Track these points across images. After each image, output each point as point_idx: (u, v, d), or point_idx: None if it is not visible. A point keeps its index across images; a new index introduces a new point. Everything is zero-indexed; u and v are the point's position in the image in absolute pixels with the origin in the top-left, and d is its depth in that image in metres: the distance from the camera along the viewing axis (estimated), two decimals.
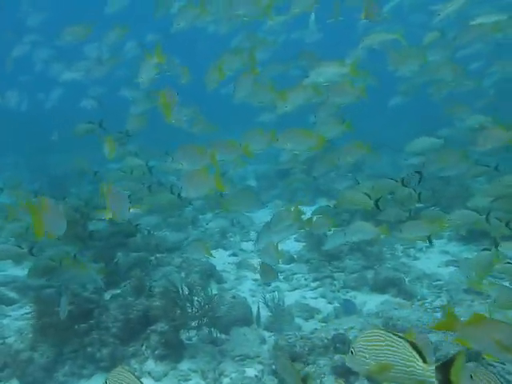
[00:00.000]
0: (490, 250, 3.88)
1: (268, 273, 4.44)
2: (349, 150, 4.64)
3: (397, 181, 4.31)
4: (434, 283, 5.37)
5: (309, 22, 8.23)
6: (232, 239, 7.42)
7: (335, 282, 5.69)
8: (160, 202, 5.61)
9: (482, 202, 4.52)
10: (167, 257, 6.39)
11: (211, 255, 5.01)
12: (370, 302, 5.14)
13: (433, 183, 6.49)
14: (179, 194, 5.51)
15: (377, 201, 4.19)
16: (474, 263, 3.97)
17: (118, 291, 5.02)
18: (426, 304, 4.95)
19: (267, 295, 5.07)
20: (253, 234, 7.61)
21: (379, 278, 5.36)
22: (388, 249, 6.40)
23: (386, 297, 5.19)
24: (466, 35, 5.27)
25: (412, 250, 6.44)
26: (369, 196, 4.19)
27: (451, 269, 5.73)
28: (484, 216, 3.99)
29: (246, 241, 7.39)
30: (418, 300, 5.06)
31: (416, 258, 6.24)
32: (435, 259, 6.15)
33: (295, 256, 6.46)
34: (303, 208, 4.67)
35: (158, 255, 6.28)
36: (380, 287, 5.35)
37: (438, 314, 4.66)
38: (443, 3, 6.59)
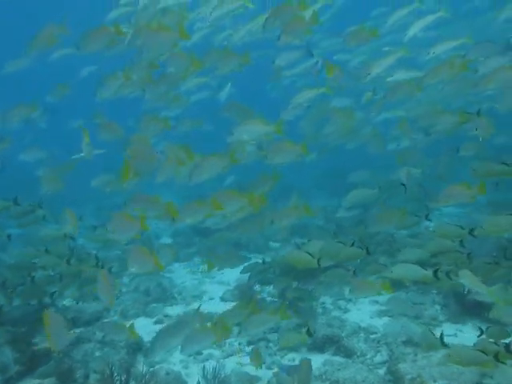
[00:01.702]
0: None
1: (257, 358, 4.36)
2: (285, 213, 4.57)
3: (344, 243, 4.35)
4: (372, 336, 5.31)
5: (226, 84, 8.35)
6: (155, 305, 6.99)
7: (270, 345, 5.47)
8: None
9: (415, 255, 4.62)
10: (87, 331, 5.86)
11: (136, 336, 4.49)
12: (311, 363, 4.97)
13: (359, 231, 6.57)
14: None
15: (318, 260, 4.23)
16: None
17: (37, 381, 4.45)
18: (368, 361, 4.87)
19: (205, 365, 4.75)
20: (177, 296, 7.26)
21: (317, 337, 5.22)
22: (317, 302, 6.34)
23: (325, 356, 5.05)
24: (395, 93, 5.51)
25: (341, 301, 6.42)
26: (312, 255, 4.21)
27: (385, 319, 5.75)
28: (431, 271, 4.03)
29: (170, 305, 7.00)
30: (358, 356, 4.96)
31: (347, 310, 6.19)
32: (366, 310, 6.14)
33: None
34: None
35: (76, 330, 5.72)
36: (318, 346, 5.21)
37: (381, 371, 4.61)
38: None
